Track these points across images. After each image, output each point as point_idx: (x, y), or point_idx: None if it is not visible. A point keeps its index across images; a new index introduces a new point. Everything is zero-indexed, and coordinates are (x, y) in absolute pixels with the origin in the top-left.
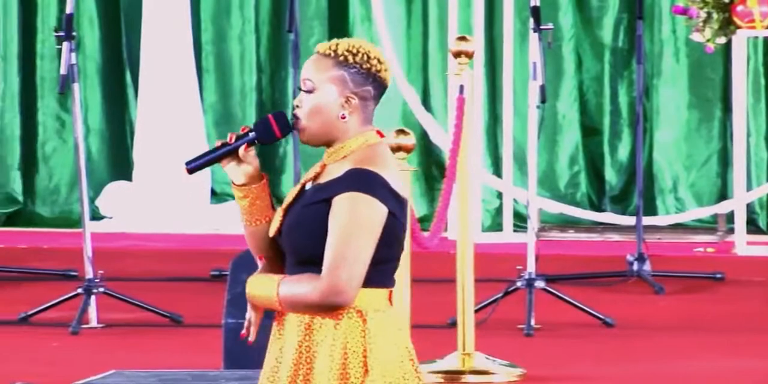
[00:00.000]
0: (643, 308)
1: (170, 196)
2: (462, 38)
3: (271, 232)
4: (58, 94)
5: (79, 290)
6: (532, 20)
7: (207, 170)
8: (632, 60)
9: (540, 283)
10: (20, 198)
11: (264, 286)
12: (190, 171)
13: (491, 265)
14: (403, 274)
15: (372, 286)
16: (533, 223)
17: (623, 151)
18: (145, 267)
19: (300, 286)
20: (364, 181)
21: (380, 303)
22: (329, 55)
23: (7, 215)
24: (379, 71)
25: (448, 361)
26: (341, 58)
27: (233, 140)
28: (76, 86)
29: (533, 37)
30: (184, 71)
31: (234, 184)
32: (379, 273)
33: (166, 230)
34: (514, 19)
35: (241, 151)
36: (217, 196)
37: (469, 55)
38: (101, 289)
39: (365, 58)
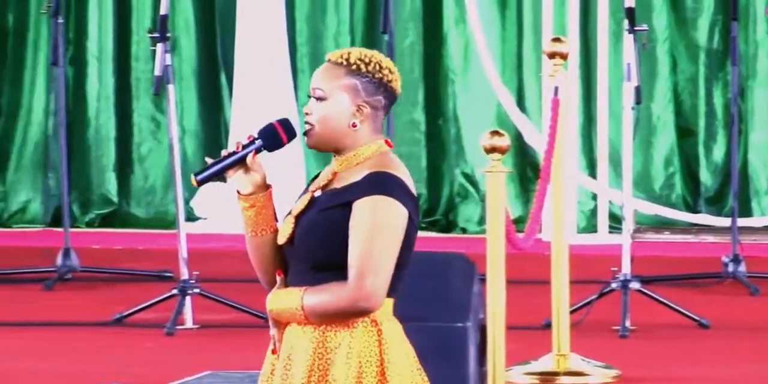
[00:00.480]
0: (738, 309)
1: None
2: (557, 39)
3: (281, 240)
4: (153, 96)
5: (174, 291)
6: (626, 21)
7: None
8: (727, 61)
9: (635, 285)
10: (115, 199)
11: (286, 300)
12: (199, 183)
13: (586, 266)
14: (497, 275)
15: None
16: (628, 225)
17: (718, 153)
18: (240, 268)
19: (327, 294)
20: (385, 183)
21: (388, 311)
22: (341, 63)
23: (103, 216)
24: (390, 81)
25: (542, 363)
26: (353, 66)
27: (240, 149)
28: (170, 87)
29: (628, 38)
30: (279, 72)
31: (240, 194)
32: (393, 280)
33: None
34: (609, 20)
35: (249, 159)
36: None
37: (564, 57)
38: (196, 290)
39: (377, 67)
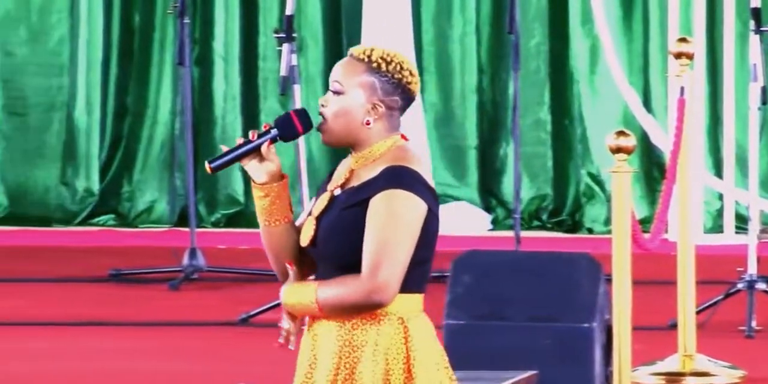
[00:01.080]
0: None
1: None
2: (683, 40)
3: (304, 243)
4: (279, 96)
5: None
6: (752, 22)
7: None
8: None
9: (761, 285)
10: (242, 199)
11: (300, 293)
12: (213, 170)
13: (712, 266)
14: (623, 275)
15: (410, 291)
16: (755, 225)
17: None
18: None
19: (340, 287)
20: (401, 177)
21: (417, 308)
22: (363, 60)
23: (229, 216)
24: (409, 83)
25: (668, 363)
26: (374, 64)
27: (255, 138)
28: (296, 88)
29: (754, 38)
30: None
31: (254, 183)
32: (416, 276)
33: None
34: (735, 20)
35: (264, 148)
36: (438, 198)
37: (690, 57)
38: None
39: (398, 68)
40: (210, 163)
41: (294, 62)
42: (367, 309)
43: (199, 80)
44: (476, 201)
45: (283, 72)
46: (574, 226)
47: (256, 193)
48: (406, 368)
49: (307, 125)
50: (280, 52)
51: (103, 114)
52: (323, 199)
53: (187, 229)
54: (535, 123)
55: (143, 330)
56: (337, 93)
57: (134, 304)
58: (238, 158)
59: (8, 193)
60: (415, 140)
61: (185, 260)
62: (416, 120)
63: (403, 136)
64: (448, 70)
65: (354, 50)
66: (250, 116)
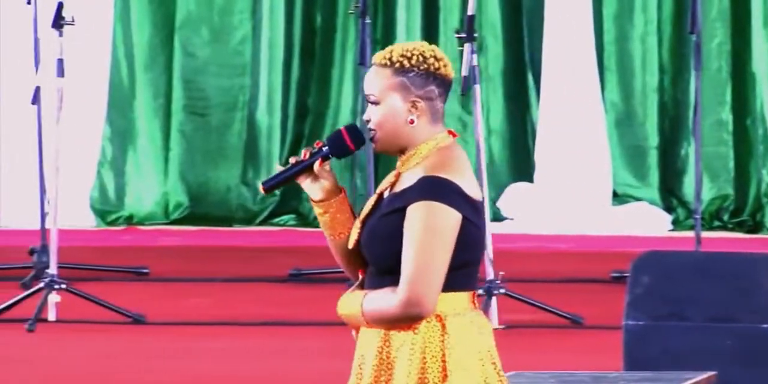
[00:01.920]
0: None
1: (571, 197)
2: None
3: (350, 245)
4: (459, 96)
5: (480, 291)
6: None
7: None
8: None
9: None
10: None
11: (351, 305)
12: (267, 190)
13: None
14: None
15: (451, 290)
16: None
17: None
18: (545, 268)
19: (381, 302)
20: (434, 188)
21: (460, 306)
22: (386, 64)
23: None
24: (438, 69)
25: None
26: (397, 64)
27: (307, 156)
28: (477, 88)
29: None
30: (586, 71)
31: (312, 200)
32: (459, 277)
33: (566, 231)
34: None
35: (316, 166)
36: (618, 198)
37: None
38: (502, 290)
39: (420, 59)
40: (263, 184)
41: (474, 62)
42: (406, 321)
43: None
44: (657, 201)
45: (463, 72)
46: (756, 226)
47: (316, 210)
48: (444, 366)
49: (359, 142)
50: (460, 52)
51: (285, 114)
52: (370, 202)
53: None
54: (716, 123)
55: (323, 330)
56: (374, 104)
57: (314, 304)
58: (292, 177)
59: (189, 193)
60: (594, 140)
61: None
62: (596, 119)
63: (450, 132)
64: (629, 70)
65: (375, 57)
66: None
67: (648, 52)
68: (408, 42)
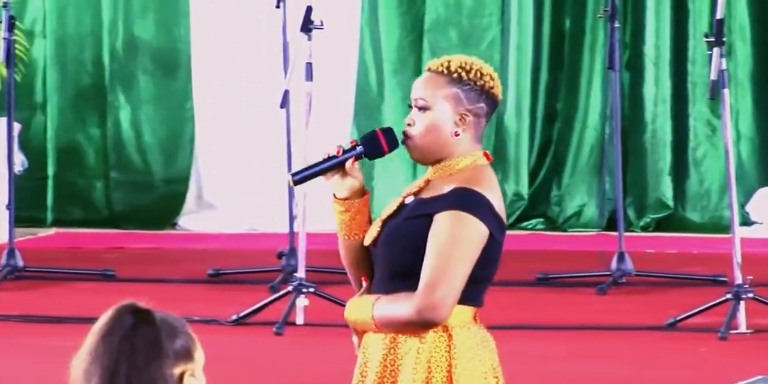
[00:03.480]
0: None
1: None
2: None
3: (367, 242)
4: (709, 100)
5: (728, 296)
6: None
7: None
8: None
9: None
10: (671, 203)
11: (360, 310)
12: (296, 183)
13: None
14: None
15: (460, 303)
16: None
17: None
18: None
19: (396, 306)
20: (468, 200)
21: (466, 319)
22: (442, 72)
23: (658, 220)
24: (492, 88)
25: None
26: (455, 75)
27: (340, 153)
28: (725, 92)
29: None
30: None
31: (336, 198)
32: (471, 291)
33: None
34: None
35: (348, 164)
36: None
37: None
38: (750, 295)
39: (478, 74)
40: (293, 176)
41: (723, 66)
42: (419, 327)
43: (629, 84)
44: None
45: (712, 76)
46: None
47: (337, 207)
48: (448, 377)
49: (393, 144)
50: (710, 56)
51: (533, 118)
52: (394, 203)
53: (615, 234)
54: None
55: (571, 333)
56: (423, 109)
57: (562, 307)
58: (322, 172)
59: None
60: None
61: (613, 264)
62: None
63: (485, 154)
64: None
65: (431, 64)
66: (680, 120)
67: None
68: (464, 55)
